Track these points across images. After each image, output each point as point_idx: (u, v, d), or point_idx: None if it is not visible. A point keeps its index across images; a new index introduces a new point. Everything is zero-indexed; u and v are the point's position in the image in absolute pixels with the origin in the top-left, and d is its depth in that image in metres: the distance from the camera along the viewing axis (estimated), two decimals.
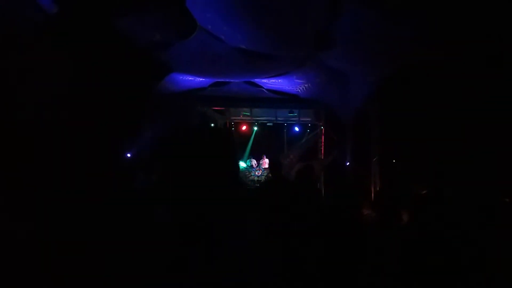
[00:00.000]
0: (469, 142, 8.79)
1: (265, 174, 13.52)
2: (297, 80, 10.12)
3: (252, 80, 10.56)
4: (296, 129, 15.49)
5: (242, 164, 13.58)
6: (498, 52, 6.95)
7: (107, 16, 6.01)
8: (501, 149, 8.00)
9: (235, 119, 16.02)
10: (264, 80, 10.43)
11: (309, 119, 15.34)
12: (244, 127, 15.95)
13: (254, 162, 14.88)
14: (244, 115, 15.49)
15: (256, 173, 13.75)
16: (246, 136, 15.88)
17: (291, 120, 15.25)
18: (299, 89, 10.96)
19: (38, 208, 5.60)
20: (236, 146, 5.19)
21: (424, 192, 5.08)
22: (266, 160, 14.30)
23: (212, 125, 13.79)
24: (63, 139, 6.51)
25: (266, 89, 11.27)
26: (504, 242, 4.16)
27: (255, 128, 15.63)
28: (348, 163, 12.10)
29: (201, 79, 10.35)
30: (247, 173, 13.78)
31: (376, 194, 7.73)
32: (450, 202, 4.56)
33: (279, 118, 15.24)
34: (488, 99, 8.17)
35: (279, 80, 10.21)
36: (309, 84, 10.39)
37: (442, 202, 4.57)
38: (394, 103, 11.19)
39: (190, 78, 10.13)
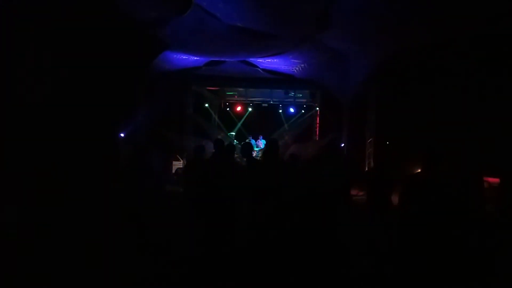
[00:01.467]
0: (464, 125, 8.80)
1: (259, 155, 13.51)
2: (293, 60, 10.00)
3: (247, 60, 10.42)
4: (292, 110, 15.41)
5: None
6: (498, 33, 6.89)
7: None
8: (496, 133, 8.02)
9: (229, 100, 15.89)
10: (260, 60, 10.30)
11: (304, 100, 15.25)
12: (238, 108, 15.83)
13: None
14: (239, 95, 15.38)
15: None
16: (241, 116, 15.79)
17: (286, 101, 15.15)
18: (295, 69, 10.85)
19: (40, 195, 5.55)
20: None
21: (416, 173, 5.09)
22: (263, 141, 14.22)
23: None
24: (58, 119, 6.41)
25: (262, 69, 11.14)
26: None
27: (250, 109, 15.51)
28: (343, 145, 12.10)
29: (196, 58, 10.19)
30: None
31: (366, 175, 7.74)
32: (442, 185, 4.57)
33: (274, 99, 15.13)
34: (486, 84, 8.16)
35: (275, 60, 10.08)
36: (305, 64, 10.27)
37: (434, 184, 4.57)
38: (391, 86, 11.15)
39: (184, 57, 9.96)
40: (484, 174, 5.70)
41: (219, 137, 12.94)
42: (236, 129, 15.57)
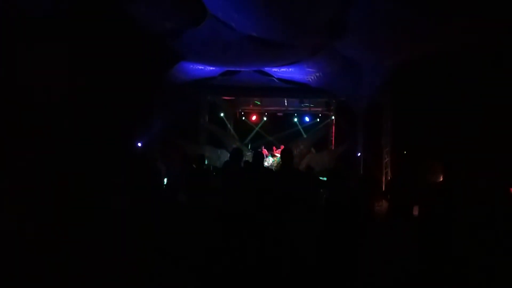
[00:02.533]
0: (482, 133, 8.63)
1: (276, 162, 13.45)
2: (308, 69, 9.99)
3: (262, 69, 10.46)
4: (307, 119, 15.36)
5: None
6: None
7: (118, 4, 5.96)
8: None
9: (245, 109, 15.94)
10: (275, 69, 10.32)
11: (319, 109, 15.19)
12: (254, 117, 15.86)
13: (265, 151, 14.82)
14: (255, 105, 15.40)
15: (267, 162, 13.65)
16: (256, 125, 15.80)
17: (302, 110, 15.12)
18: (310, 78, 10.82)
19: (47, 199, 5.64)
20: None
21: (437, 184, 4.99)
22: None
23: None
24: (75, 129, 6.53)
25: (277, 78, 11.15)
26: None
27: (264, 118, 15.53)
28: (359, 154, 11.97)
29: (211, 68, 10.28)
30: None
31: (387, 186, 7.64)
32: (461, 195, 4.48)
33: (289, 108, 15.12)
34: (504, 91, 8.00)
35: (290, 69, 10.08)
36: (320, 73, 10.24)
37: (454, 195, 4.48)
38: (407, 94, 11.03)
39: (200, 67, 10.06)
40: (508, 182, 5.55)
41: (234, 146, 13.02)
42: (249, 137, 15.53)
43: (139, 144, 11.26)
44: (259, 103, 15.16)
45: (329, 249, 4.09)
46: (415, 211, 5.19)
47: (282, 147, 14.19)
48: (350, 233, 4.26)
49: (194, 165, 6.55)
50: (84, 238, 5.03)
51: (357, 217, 4.59)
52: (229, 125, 15.48)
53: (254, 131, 15.53)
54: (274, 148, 14.24)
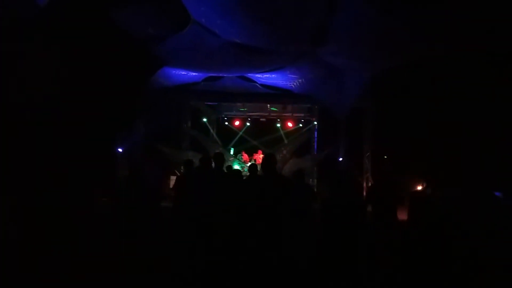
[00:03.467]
0: (462, 139, 8.83)
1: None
2: (291, 75, 10.07)
3: (245, 75, 10.48)
4: (290, 124, 15.44)
5: (236, 166, 13.51)
6: (495, 51, 6.97)
7: (101, 9, 5.89)
8: (496, 148, 8.04)
9: (228, 114, 15.91)
10: (258, 75, 10.36)
11: (302, 115, 15.30)
12: (237, 122, 15.85)
13: (245, 156, 14.81)
14: (238, 110, 15.40)
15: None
16: (239, 131, 15.80)
17: (284, 116, 15.19)
18: (293, 84, 10.90)
19: (34, 205, 5.52)
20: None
21: (419, 189, 5.08)
22: (261, 156, 14.17)
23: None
24: (57, 133, 6.41)
25: (260, 84, 11.20)
26: (498, 239, 4.17)
27: (247, 124, 15.55)
28: (341, 159, 12.10)
29: (194, 74, 10.24)
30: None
31: (369, 191, 7.72)
32: (443, 201, 4.56)
33: (272, 114, 15.18)
34: (485, 99, 8.22)
35: (273, 75, 10.14)
36: (303, 80, 10.34)
37: (436, 200, 4.56)
38: (388, 100, 11.23)
39: (183, 73, 10.01)
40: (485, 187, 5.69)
41: (218, 151, 12.97)
42: (233, 142, 15.53)
43: (120, 150, 11.12)
44: (243, 109, 15.18)
45: (328, 254, 4.10)
46: (400, 216, 5.27)
47: (260, 152, 14.26)
48: (350, 236, 4.29)
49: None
50: (67, 241, 4.95)
51: (357, 220, 4.62)
52: (211, 130, 15.42)
53: (238, 136, 15.52)
54: (260, 152, 14.27)
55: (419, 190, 4.68)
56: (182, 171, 11.82)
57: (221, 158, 5.45)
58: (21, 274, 4.17)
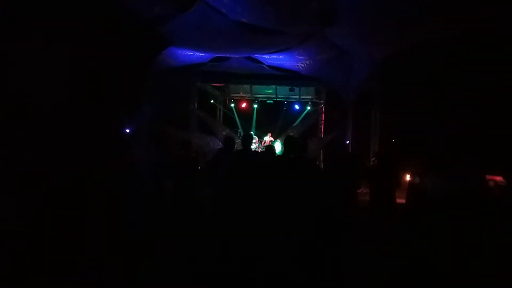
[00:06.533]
0: (469, 123, 8.76)
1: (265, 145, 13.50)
2: (298, 57, 9.96)
3: (252, 56, 10.39)
4: (297, 107, 15.38)
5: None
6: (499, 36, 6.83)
7: None
8: (500, 131, 7.97)
9: (234, 96, 15.88)
10: (265, 56, 10.26)
11: (309, 97, 15.21)
12: (243, 105, 15.82)
13: (256, 139, 14.84)
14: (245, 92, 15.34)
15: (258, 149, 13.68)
16: (246, 113, 15.76)
17: (292, 98, 15.12)
18: (300, 65, 10.79)
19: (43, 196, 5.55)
20: None
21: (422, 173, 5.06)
22: (271, 139, 14.16)
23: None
24: (63, 117, 6.43)
25: (267, 65, 11.10)
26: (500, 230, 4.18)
27: (255, 106, 15.50)
28: (347, 142, 12.07)
29: (200, 54, 10.17)
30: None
31: (370, 169, 7.71)
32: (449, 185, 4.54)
33: (279, 96, 15.11)
34: (492, 83, 8.11)
35: (280, 56, 10.04)
36: (311, 61, 10.23)
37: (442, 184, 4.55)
38: (396, 84, 11.12)
39: (189, 53, 9.94)
40: (487, 173, 5.66)
41: (225, 133, 13.00)
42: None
43: (127, 131, 11.17)
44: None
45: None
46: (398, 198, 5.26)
47: (269, 134, 14.27)
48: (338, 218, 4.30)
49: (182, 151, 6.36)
50: (77, 233, 4.96)
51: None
52: (218, 112, 15.43)
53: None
54: (270, 134, 14.29)
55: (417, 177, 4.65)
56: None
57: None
58: (32, 266, 4.19)
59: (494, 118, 8.02)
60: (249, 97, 15.61)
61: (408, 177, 7.48)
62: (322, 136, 14.37)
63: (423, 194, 4.30)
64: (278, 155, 4.45)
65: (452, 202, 4.18)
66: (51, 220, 5.13)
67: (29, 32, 5.68)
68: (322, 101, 14.62)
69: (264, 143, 13.90)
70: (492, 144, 7.88)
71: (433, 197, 4.30)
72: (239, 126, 15.60)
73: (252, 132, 14.80)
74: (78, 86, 6.61)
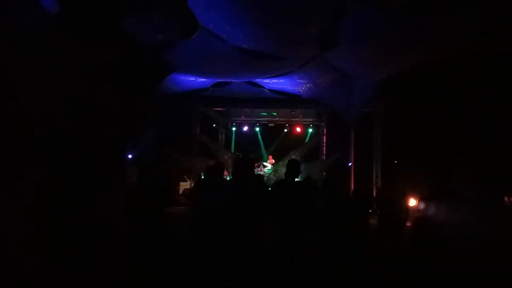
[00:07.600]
0: (474, 144, 8.73)
1: (270, 172, 13.46)
2: (299, 80, 10.08)
3: (253, 80, 10.52)
4: (298, 129, 15.43)
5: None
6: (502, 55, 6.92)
7: (110, 16, 5.98)
8: (506, 152, 7.93)
9: (236, 120, 15.97)
10: (266, 80, 10.39)
11: (311, 119, 15.28)
12: (245, 128, 15.87)
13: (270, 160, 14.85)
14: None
15: (260, 172, 13.65)
16: (249, 136, 15.79)
17: (293, 120, 15.19)
18: (301, 89, 10.91)
19: (40, 208, 5.55)
20: None
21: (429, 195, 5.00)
22: (273, 161, 14.18)
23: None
24: (65, 139, 6.46)
25: (268, 89, 11.22)
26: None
27: (257, 129, 15.57)
28: (350, 164, 12.05)
29: (202, 79, 10.31)
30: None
31: (377, 197, 7.65)
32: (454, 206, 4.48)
33: (281, 119, 15.19)
34: (496, 102, 8.13)
35: (281, 80, 10.16)
36: (311, 84, 10.34)
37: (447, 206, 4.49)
38: (399, 104, 11.17)
39: (191, 79, 10.09)
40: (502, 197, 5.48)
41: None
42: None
43: (130, 156, 11.19)
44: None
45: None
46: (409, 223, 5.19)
47: (270, 157, 14.28)
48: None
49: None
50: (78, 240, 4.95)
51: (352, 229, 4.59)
52: (221, 136, 15.48)
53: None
54: (270, 157, 14.30)
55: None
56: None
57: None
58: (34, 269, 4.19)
59: (506, 138, 7.95)
60: (250, 120, 15.69)
61: (413, 202, 7.39)
62: (324, 158, 14.36)
63: (430, 225, 4.18)
64: (281, 180, 4.34)
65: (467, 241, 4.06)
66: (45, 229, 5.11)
67: (33, 57, 5.77)
68: (323, 124, 14.68)
69: (264, 167, 13.89)
70: (502, 163, 7.79)
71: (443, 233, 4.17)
72: (232, 149, 15.56)
73: (263, 153, 14.90)
74: (79, 110, 6.66)
